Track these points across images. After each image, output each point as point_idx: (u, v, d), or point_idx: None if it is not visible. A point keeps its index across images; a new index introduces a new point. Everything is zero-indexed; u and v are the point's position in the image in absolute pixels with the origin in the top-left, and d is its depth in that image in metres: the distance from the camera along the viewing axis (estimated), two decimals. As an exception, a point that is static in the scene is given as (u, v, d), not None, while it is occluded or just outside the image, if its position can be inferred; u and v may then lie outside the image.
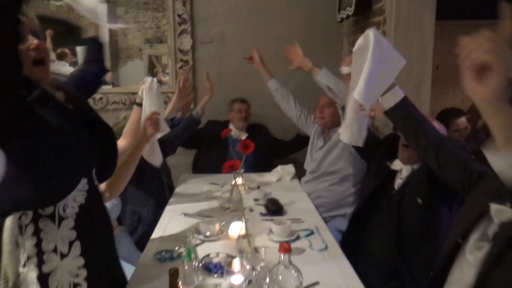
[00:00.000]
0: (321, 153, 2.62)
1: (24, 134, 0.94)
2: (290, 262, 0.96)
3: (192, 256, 1.35)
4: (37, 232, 1.08)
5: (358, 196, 2.20)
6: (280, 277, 0.95)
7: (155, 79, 1.97)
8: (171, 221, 2.01)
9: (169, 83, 3.51)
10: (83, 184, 1.15)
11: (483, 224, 1.13)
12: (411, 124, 1.43)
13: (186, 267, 1.32)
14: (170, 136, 2.70)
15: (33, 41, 1.08)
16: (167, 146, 2.67)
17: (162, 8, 3.45)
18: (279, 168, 2.85)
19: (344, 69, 1.91)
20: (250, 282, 1.34)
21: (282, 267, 0.96)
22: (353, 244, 1.93)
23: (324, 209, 2.42)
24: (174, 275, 1.05)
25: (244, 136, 3.07)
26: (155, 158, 1.99)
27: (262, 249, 1.38)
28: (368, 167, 2.25)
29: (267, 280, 0.97)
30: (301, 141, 3.07)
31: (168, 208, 2.21)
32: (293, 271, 0.95)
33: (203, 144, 3.13)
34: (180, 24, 3.40)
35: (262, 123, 3.42)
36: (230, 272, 1.34)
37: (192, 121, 2.74)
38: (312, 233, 1.80)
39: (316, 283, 1.35)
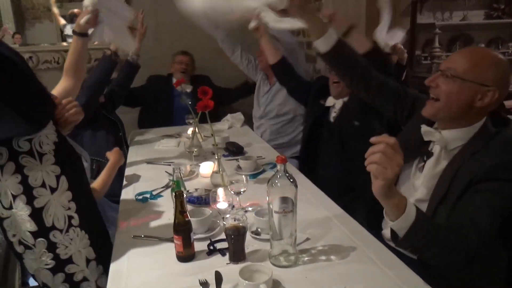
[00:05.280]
0: (268, 97, 2.79)
1: None
2: (286, 171, 1.12)
3: (182, 188, 1.46)
4: (19, 169, 1.12)
5: (303, 134, 2.48)
6: (278, 184, 1.11)
7: None
8: (138, 170, 2.07)
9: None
10: (50, 124, 1.21)
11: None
12: (343, 64, 1.62)
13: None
14: (113, 87, 2.68)
15: None
16: (113, 98, 2.66)
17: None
18: (228, 116, 2.98)
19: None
20: (233, 207, 1.50)
21: (279, 176, 1.11)
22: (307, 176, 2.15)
23: (279, 151, 2.60)
24: (179, 196, 1.16)
25: (189, 89, 3.10)
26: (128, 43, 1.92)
27: (243, 176, 1.52)
28: (306, 107, 2.50)
29: (267, 189, 1.12)
30: (249, 87, 3.16)
31: (129, 160, 2.25)
32: (289, 178, 1.11)
33: (147, 100, 3.13)
34: (110, -26, 3.23)
35: (205, 74, 3.46)
36: (215, 200, 1.48)
37: (130, 66, 2.70)
38: (275, 165, 1.98)
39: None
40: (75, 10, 3.51)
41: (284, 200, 1.10)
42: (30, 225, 1.14)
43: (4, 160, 1.11)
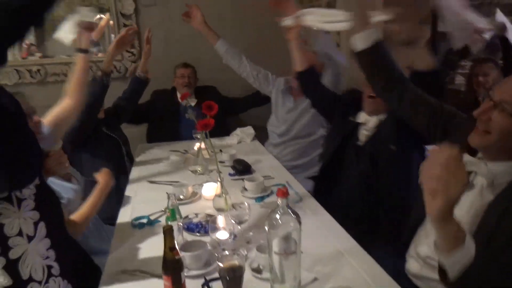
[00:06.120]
0: (294, 115, 2.61)
1: None
2: (288, 206, 0.99)
3: (177, 216, 1.33)
4: None
5: (324, 152, 2.18)
6: (280, 222, 0.97)
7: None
8: (139, 190, 1.96)
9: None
10: None
11: None
12: (380, 70, 1.48)
13: (171, 228, 1.30)
14: (120, 101, 2.59)
15: None
16: (119, 113, 2.56)
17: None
18: (238, 130, 2.85)
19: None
20: (235, 237, 1.37)
21: (281, 211, 0.98)
22: (323, 199, 1.84)
23: (295, 172, 2.40)
24: (168, 232, 1.04)
25: (193, 102, 3.00)
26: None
27: (245, 203, 1.39)
28: (331, 123, 2.21)
29: (266, 227, 0.98)
30: (261, 98, 3.00)
31: (132, 178, 2.14)
32: (292, 214, 0.98)
33: (152, 116, 3.04)
34: (120, -15, 3.19)
35: (211, 84, 3.32)
36: (215, 229, 1.34)
37: (138, 82, 2.60)
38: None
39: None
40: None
41: (285, 239, 0.96)
42: (4, 279, 1.00)
43: None
